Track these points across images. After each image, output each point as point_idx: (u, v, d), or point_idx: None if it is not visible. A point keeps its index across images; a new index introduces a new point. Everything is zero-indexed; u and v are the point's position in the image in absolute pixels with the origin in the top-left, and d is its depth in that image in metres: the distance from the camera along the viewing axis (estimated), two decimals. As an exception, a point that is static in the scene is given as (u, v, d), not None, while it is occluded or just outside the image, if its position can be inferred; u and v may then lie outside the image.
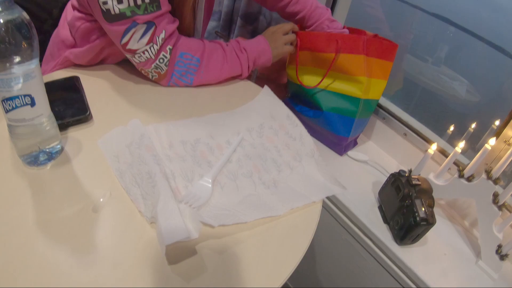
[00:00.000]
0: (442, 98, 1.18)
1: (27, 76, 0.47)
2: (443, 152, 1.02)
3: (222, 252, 0.47)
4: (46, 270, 0.41)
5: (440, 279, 0.79)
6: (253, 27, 1.39)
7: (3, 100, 0.46)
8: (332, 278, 1.05)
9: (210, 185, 0.54)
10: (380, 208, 0.92)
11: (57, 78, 0.71)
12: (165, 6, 0.66)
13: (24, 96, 0.47)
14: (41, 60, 0.81)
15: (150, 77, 0.74)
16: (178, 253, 0.46)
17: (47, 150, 0.54)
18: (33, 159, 0.53)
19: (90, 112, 0.64)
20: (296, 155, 0.62)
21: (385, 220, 0.88)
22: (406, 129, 1.07)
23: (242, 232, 0.49)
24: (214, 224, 0.48)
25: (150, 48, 0.67)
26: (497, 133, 0.89)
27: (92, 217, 0.48)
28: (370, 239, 0.87)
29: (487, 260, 0.83)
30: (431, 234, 0.85)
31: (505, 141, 0.87)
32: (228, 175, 0.57)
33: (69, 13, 0.74)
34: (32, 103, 0.48)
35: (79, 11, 0.70)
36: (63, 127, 0.60)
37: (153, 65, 0.70)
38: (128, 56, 0.70)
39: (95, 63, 0.78)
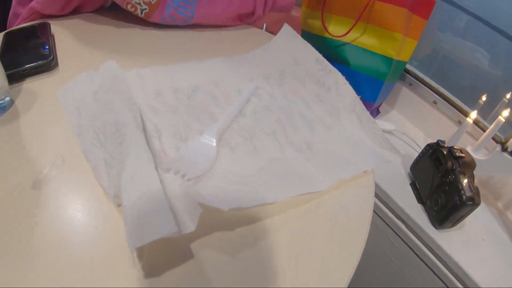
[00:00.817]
0: (464, 68, 1.11)
1: None
2: (476, 123, 0.90)
3: (234, 254, 0.31)
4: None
5: (481, 268, 0.68)
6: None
7: None
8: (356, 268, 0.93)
9: (214, 144, 0.38)
10: (413, 185, 0.79)
11: (22, 26, 0.56)
12: None
13: None
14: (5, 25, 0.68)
15: (139, 12, 0.58)
16: (162, 254, 0.30)
17: (-10, 104, 0.39)
18: (-31, 116, 0.38)
19: (54, 57, 0.49)
20: (331, 109, 0.47)
21: (420, 199, 0.75)
22: (437, 96, 0.94)
23: (268, 220, 0.33)
24: (223, 207, 0.30)
25: None
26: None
27: (31, 196, 0.32)
28: (403, 222, 0.75)
29: (527, 247, 0.74)
30: (468, 216, 0.74)
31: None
32: (241, 132, 0.41)
33: None
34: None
35: None
36: (18, 76, 0.46)
37: None
38: None
39: (68, 12, 0.62)
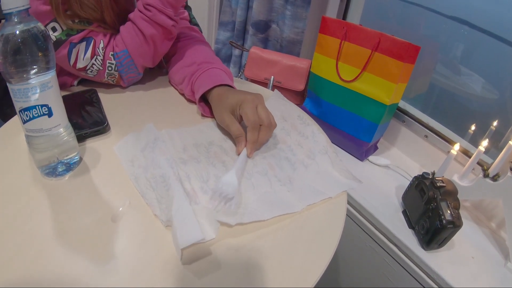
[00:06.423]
0: (460, 98, 1.16)
1: (43, 86, 0.47)
2: (466, 153, 0.99)
3: (238, 249, 0.45)
4: (65, 278, 0.40)
5: (469, 283, 0.76)
6: (264, 35, 1.39)
7: (20, 111, 0.47)
8: (357, 287, 1.02)
9: (235, 178, 0.53)
10: (404, 212, 0.89)
11: (75, 91, 0.73)
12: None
13: (41, 106, 0.47)
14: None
15: (111, 82, 0.75)
16: (195, 252, 0.45)
17: (65, 161, 0.54)
18: (51, 170, 0.53)
19: (108, 123, 0.64)
20: (309, 153, 0.62)
21: (410, 225, 0.85)
22: (427, 130, 1.04)
23: (259, 231, 0.48)
24: (231, 222, 0.46)
25: (95, 60, 0.70)
26: (521, 129, 0.86)
27: (111, 227, 0.47)
28: (396, 245, 0.85)
29: (516, 262, 0.80)
30: (457, 237, 0.82)
31: (531, 137, 0.84)
32: (244, 174, 0.56)
33: None
34: (50, 113, 0.49)
35: None
36: (81, 138, 0.61)
37: (106, 74, 0.72)
38: (83, 74, 0.72)
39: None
